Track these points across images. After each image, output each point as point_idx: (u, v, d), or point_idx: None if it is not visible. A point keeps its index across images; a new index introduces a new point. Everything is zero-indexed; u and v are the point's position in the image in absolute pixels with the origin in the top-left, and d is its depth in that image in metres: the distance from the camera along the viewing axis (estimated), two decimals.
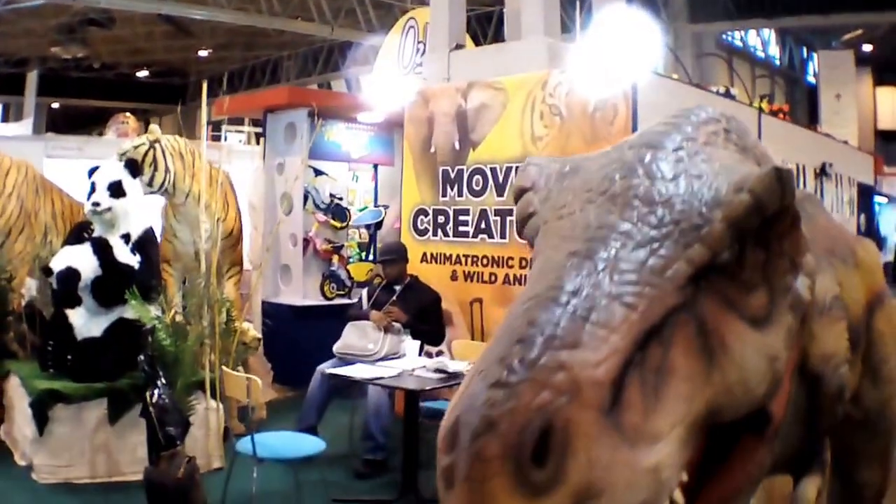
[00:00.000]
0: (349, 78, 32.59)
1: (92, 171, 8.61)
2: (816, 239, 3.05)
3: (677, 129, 2.26)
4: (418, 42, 13.13)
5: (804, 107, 32.57)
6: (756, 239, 2.02)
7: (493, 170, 9.54)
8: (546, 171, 2.39)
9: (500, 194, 9.45)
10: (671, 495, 1.80)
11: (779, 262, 2.08)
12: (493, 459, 1.61)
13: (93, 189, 8.42)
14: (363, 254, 12.96)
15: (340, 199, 12.71)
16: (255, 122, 21.12)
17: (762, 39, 32.54)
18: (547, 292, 1.85)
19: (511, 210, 9.30)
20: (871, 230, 16.33)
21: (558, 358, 1.68)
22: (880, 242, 18.46)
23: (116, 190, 8.42)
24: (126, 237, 8.45)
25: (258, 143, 19.04)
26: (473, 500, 1.63)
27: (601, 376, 1.68)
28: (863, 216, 15.47)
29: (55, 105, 39.52)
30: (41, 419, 7.80)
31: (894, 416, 3.70)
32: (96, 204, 8.31)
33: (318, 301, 12.31)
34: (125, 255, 8.36)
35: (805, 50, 34.50)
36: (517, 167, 9.15)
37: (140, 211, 8.73)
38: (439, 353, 9.32)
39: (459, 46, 10.63)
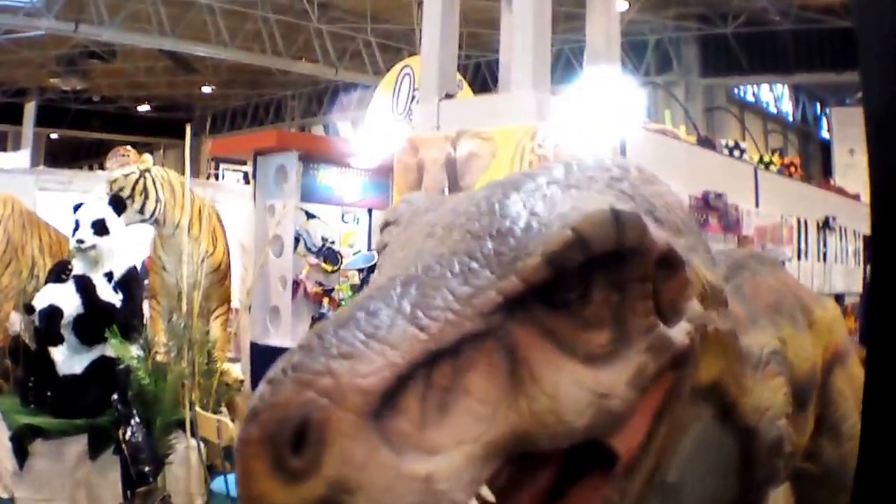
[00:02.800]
0: (327, 124, 32.84)
1: (77, 208, 8.68)
2: (759, 294, 3.17)
3: (546, 173, 2.28)
4: (414, 90, 13.17)
5: (818, 161, 32.56)
6: (607, 279, 2.04)
7: None
8: (416, 206, 2.46)
9: None
10: None
11: (637, 304, 2.09)
12: (253, 443, 1.70)
13: (77, 226, 8.49)
14: (356, 295, 12.94)
15: (332, 242, 12.74)
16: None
17: (774, 95, 32.54)
18: (348, 310, 1.93)
19: None
20: None
21: (328, 364, 1.75)
22: None
23: (100, 228, 8.51)
24: (109, 275, 8.51)
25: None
26: (243, 478, 1.73)
27: (366, 385, 1.74)
28: (869, 267, 15.48)
29: (54, 136, 39.63)
30: (21, 453, 7.85)
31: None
32: (80, 241, 8.39)
33: None
34: (108, 294, 8.42)
35: (819, 106, 34.43)
36: None
37: (124, 249, 8.81)
38: None
39: (449, 95, 10.69)
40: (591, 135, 8.34)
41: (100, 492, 7.97)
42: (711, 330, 2.32)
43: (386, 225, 2.52)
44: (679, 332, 2.19)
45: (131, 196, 9.35)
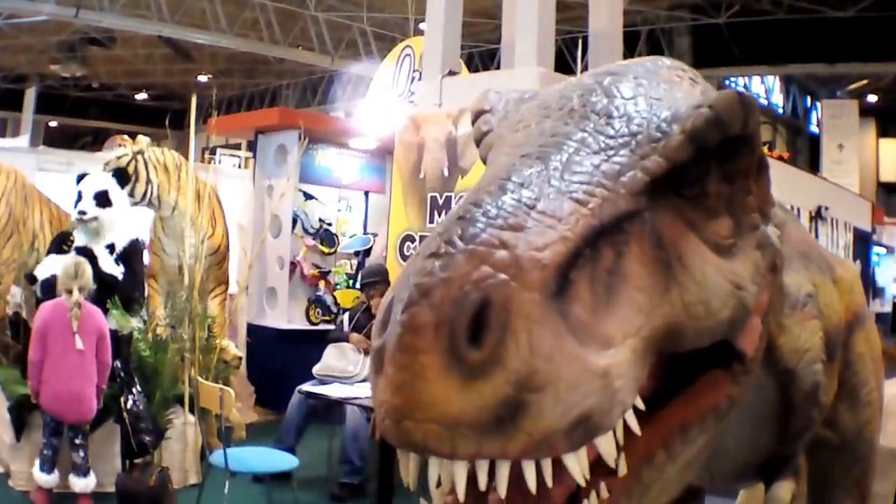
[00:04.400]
0: (351, 109, 32.71)
1: (80, 179, 8.62)
2: (790, 239, 2.97)
3: (640, 65, 2.23)
4: (414, 70, 13.14)
5: (805, 156, 32.21)
6: (720, 171, 1.99)
7: None
8: (505, 97, 2.35)
9: None
10: (624, 415, 1.69)
11: (745, 199, 2.05)
12: (424, 329, 1.50)
13: (79, 198, 8.42)
14: (350, 281, 12.94)
15: (329, 224, 12.72)
16: (251, 146, 21.16)
17: (766, 87, 32.19)
18: (493, 182, 1.77)
19: None
20: (866, 278, 16.33)
21: (501, 236, 1.58)
22: (876, 292, 18.43)
23: (103, 199, 8.44)
24: (111, 247, 8.45)
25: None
26: (403, 379, 1.52)
27: (546, 259, 1.58)
28: (858, 262, 15.47)
29: (53, 124, 39.55)
30: (18, 425, 7.80)
31: (872, 441, 3.65)
32: (82, 213, 8.32)
33: (302, 325, 12.31)
34: (109, 266, 8.35)
35: (809, 98, 33.97)
36: None
37: (126, 221, 8.73)
38: None
39: (453, 73, 10.65)
40: None
41: (97, 466, 7.89)
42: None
43: (480, 114, 2.35)
44: (774, 234, 2.18)
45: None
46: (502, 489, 1.59)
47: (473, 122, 2.37)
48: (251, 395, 11.16)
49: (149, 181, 9.54)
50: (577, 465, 1.63)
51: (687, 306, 1.81)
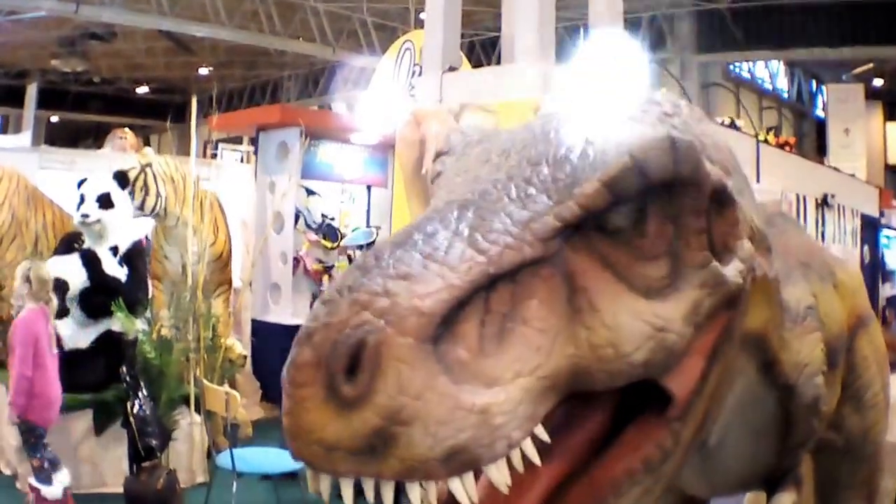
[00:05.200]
0: (322, 105, 32.70)
1: (81, 183, 8.61)
2: (789, 250, 3.09)
3: (610, 96, 2.32)
4: (414, 65, 13.13)
5: (812, 140, 31.93)
6: (663, 211, 2.01)
7: None
8: (466, 138, 2.42)
9: None
10: (516, 446, 1.79)
11: (692, 239, 2.07)
12: (305, 367, 1.68)
13: (82, 200, 8.41)
14: None
15: (332, 219, 12.71)
16: (252, 142, 21.13)
17: (770, 71, 31.91)
18: (404, 231, 1.89)
19: None
20: (875, 262, 16.32)
21: (386, 285, 1.72)
22: (885, 275, 18.38)
23: (105, 202, 8.43)
24: (114, 249, 8.45)
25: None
26: (289, 407, 1.71)
27: (424, 307, 1.70)
28: (867, 247, 15.45)
29: (54, 119, 39.51)
30: None
31: (878, 443, 3.67)
32: (85, 215, 8.31)
33: None
34: (113, 268, 8.36)
35: (814, 83, 33.74)
36: None
37: (128, 223, 8.73)
38: None
39: (453, 68, 10.64)
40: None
41: (103, 468, 7.95)
42: (760, 275, 2.30)
43: (439, 155, 2.48)
44: (732, 271, 2.17)
45: (132, 192, 9.16)
46: None
47: (434, 161, 2.51)
48: (257, 391, 11.17)
49: (158, 194, 9.54)
50: (462, 488, 1.75)
51: (594, 348, 1.88)
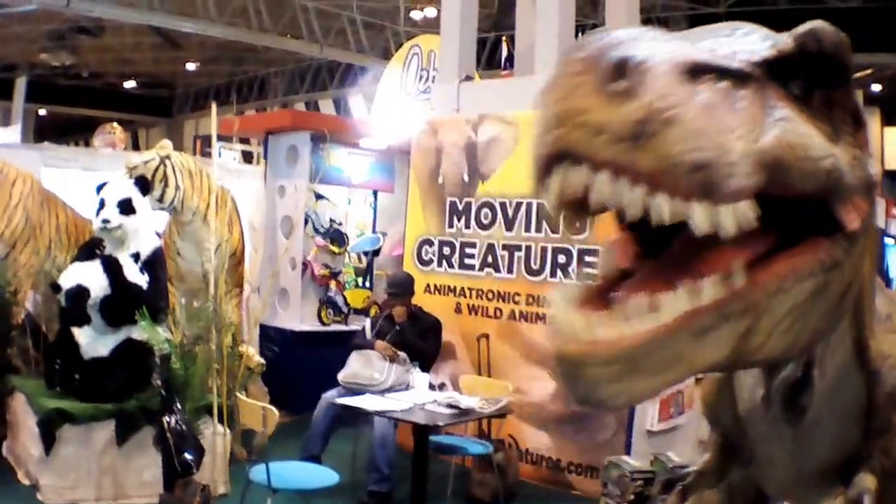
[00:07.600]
0: (339, 98, 32.63)
1: (100, 188, 8.52)
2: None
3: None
4: (422, 69, 13.13)
5: None
6: (824, 91, 2.19)
7: (502, 204, 9.60)
8: None
9: (508, 229, 9.50)
10: (743, 195, 1.88)
11: (842, 125, 2.25)
12: (578, 62, 1.77)
13: (102, 205, 8.33)
14: (359, 279, 12.94)
15: (340, 224, 12.69)
16: (242, 140, 21.07)
17: None
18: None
19: (519, 245, 9.34)
20: (879, 271, 16.29)
21: (634, 47, 1.83)
22: (888, 284, 18.45)
23: (126, 207, 8.33)
24: (136, 256, 8.38)
25: (247, 161, 18.96)
26: (560, 95, 1.79)
27: (677, 55, 1.84)
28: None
29: (42, 112, 39.40)
30: (49, 439, 7.72)
31: None
32: (106, 221, 8.22)
33: (315, 326, 12.27)
34: (134, 275, 8.29)
35: None
36: (527, 203, 9.20)
37: (149, 229, 8.68)
38: (442, 386, 9.35)
39: (469, 78, 10.66)
40: None
41: (125, 479, 7.88)
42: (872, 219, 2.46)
43: None
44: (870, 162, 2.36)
45: (151, 184, 9.10)
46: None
47: None
48: (265, 397, 11.13)
49: (178, 187, 9.52)
50: (700, 215, 1.84)
51: (792, 147, 2.00)
